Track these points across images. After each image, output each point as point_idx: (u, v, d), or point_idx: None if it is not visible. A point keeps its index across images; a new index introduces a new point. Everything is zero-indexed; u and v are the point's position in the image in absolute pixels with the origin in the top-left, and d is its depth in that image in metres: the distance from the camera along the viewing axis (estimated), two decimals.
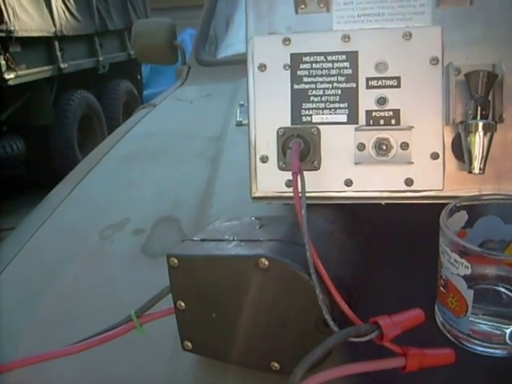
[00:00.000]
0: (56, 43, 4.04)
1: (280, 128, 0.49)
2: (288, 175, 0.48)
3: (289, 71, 0.49)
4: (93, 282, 0.58)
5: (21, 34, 3.51)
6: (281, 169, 0.50)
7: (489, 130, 0.44)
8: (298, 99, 0.49)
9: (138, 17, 5.25)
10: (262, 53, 0.50)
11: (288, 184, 0.49)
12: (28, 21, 3.64)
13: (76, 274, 0.60)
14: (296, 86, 0.49)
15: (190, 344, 0.42)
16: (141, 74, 5.75)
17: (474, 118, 0.44)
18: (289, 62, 0.49)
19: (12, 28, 3.40)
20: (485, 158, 0.45)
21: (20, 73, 3.55)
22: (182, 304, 0.41)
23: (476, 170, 0.45)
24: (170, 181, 0.84)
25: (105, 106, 4.73)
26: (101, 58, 4.72)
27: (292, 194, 0.41)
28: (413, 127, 0.47)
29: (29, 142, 3.90)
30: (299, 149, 0.46)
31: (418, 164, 0.47)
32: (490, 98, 0.45)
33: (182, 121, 1.17)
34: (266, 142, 0.50)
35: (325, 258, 0.38)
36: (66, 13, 4.21)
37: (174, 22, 1.65)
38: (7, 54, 3.41)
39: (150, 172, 0.88)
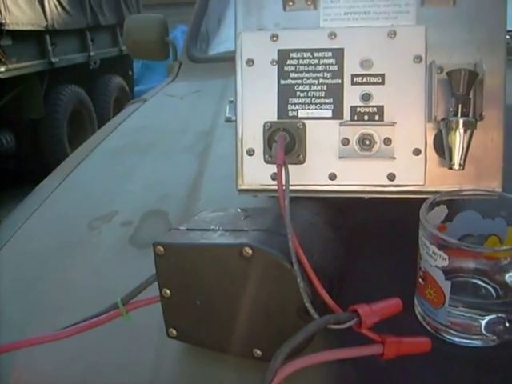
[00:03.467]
0: (47, 37, 4.01)
1: (266, 122, 0.50)
2: (273, 168, 0.49)
3: (276, 67, 0.50)
4: (81, 272, 0.58)
5: (12, 27, 3.48)
6: (267, 162, 0.51)
7: (469, 127, 0.45)
8: (285, 94, 0.50)
9: (131, 12, 5.22)
10: (250, 48, 0.51)
11: (273, 177, 0.50)
12: (19, 14, 3.61)
13: (64, 264, 0.61)
14: (283, 82, 0.50)
15: (174, 331, 0.43)
16: (132, 70, 5.73)
17: (455, 115, 0.46)
18: (276, 58, 0.50)
19: (3, 21, 3.37)
20: (465, 155, 0.46)
21: (10, 66, 3.52)
22: (168, 292, 0.42)
23: (456, 166, 0.46)
24: (158, 174, 0.84)
25: (95, 101, 4.71)
26: (92, 53, 4.69)
27: (277, 187, 0.42)
28: (396, 123, 0.48)
29: (18, 135, 3.88)
30: (285, 142, 0.47)
31: (400, 159, 0.49)
32: (471, 96, 0.46)
33: (172, 116, 1.18)
34: (252, 136, 0.51)
35: (307, 249, 0.39)
36: (58, 7, 4.18)
37: (165, 18, 1.66)
38: None
39: (140, 165, 0.89)
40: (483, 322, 0.41)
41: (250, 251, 0.38)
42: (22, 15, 3.65)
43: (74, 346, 0.44)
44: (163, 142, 0.99)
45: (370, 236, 0.52)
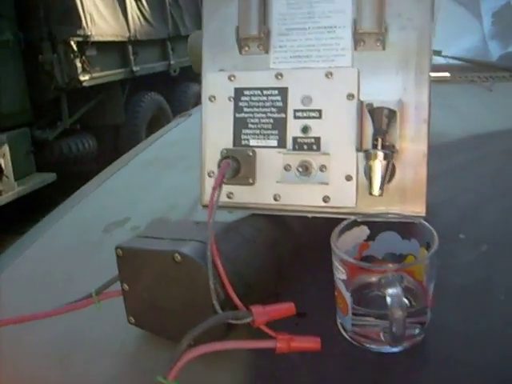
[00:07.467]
0: (130, 47, 4.27)
1: (224, 149, 0.59)
2: (228, 188, 0.58)
3: (232, 102, 0.59)
4: (91, 265, 0.70)
5: (97, 38, 3.76)
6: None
7: (386, 158, 0.52)
8: (239, 126, 0.59)
9: None
10: (212, 86, 0.60)
11: (228, 195, 0.59)
12: (104, 26, 3.88)
13: (79, 260, 0.72)
14: (238, 115, 0.59)
15: (133, 319, 0.53)
16: None
17: (375, 147, 0.52)
18: (233, 95, 0.59)
19: (89, 33, 3.65)
20: (383, 182, 0.52)
21: (94, 75, 3.80)
22: (126, 286, 0.52)
23: (376, 193, 0.53)
24: (176, 185, 0.95)
25: (174, 107, 4.92)
26: (172, 62, 4.93)
27: (232, 204, 0.52)
28: (330, 153, 0.55)
29: (100, 140, 4.15)
30: (228, 168, 0.55)
31: (334, 184, 0.56)
32: (391, 130, 0.53)
33: None
34: (212, 160, 0.59)
35: (232, 258, 0.48)
36: (141, 18, 4.44)
37: None
38: (83, 58, 3.67)
39: (163, 177, 1.00)
40: (381, 329, 0.47)
41: (179, 257, 0.47)
42: (106, 27, 3.92)
43: (62, 325, 0.55)
44: (193, 156, 1.09)
45: (313, 250, 0.59)
